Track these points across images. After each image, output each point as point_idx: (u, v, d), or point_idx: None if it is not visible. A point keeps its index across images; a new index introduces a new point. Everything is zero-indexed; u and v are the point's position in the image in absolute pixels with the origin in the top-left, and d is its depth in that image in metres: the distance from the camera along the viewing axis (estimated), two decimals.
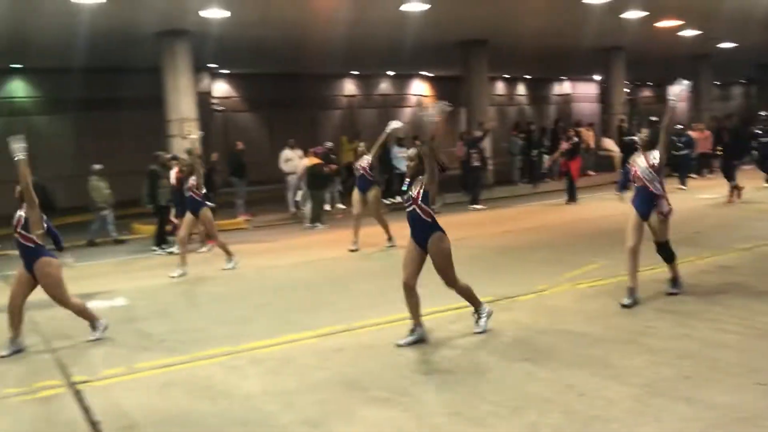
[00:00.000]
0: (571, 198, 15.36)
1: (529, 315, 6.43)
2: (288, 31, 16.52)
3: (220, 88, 24.50)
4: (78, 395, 5.01)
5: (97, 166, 13.69)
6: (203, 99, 20.58)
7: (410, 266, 5.67)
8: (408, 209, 5.68)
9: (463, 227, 12.79)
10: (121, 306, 7.90)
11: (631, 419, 4.03)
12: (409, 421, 4.22)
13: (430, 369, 5.16)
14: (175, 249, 11.83)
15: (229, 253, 10.00)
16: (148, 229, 13.86)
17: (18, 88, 20.62)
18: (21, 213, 6.14)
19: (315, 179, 14.58)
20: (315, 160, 14.85)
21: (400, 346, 5.61)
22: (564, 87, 34.71)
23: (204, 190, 10.22)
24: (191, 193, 9.95)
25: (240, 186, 16.44)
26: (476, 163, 15.65)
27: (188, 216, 10.03)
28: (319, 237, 13.09)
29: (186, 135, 10.87)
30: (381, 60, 22.13)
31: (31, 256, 6.11)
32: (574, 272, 8.03)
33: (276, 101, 24.52)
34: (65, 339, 6.58)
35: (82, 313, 6.47)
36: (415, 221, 5.66)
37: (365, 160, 11.12)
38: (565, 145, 15.75)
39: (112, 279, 9.73)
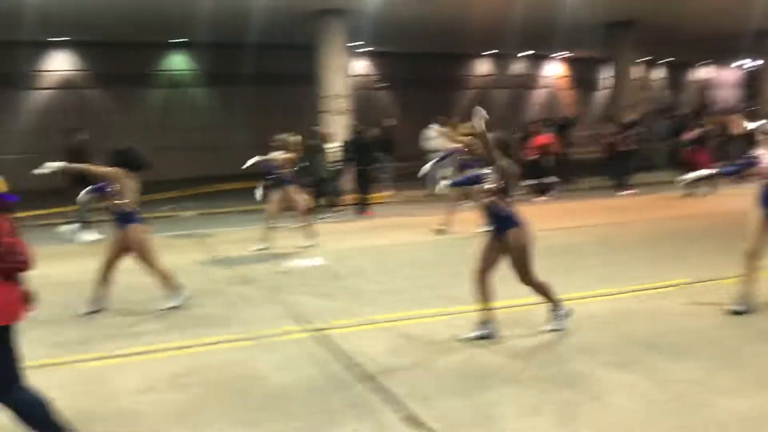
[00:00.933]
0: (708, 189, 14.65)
1: None
2: (441, 10, 16.76)
3: (358, 66, 25.12)
4: (323, 340, 5.55)
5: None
6: None
7: (485, 257, 5.48)
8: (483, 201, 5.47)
9: (617, 212, 12.73)
10: (321, 265, 8.50)
11: None
12: (653, 387, 4.42)
13: (652, 341, 5.30)
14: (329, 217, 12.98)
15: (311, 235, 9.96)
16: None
17: (178, 62, 22.05)
18: (115, 186, 6.48)
19: None
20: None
21: (461, 339, 5.40)
22: (705, 72, 33.15)
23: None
24: (279, 171, 9.81)
25: (387, 161, 16.96)
26: (629, 148, 15.37)
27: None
28: (469, 215, 13.36)
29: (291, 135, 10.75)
30: (522, 40, 21.95)
31: (122, 221, 6.49)
32: None
33: (411, 80, 24.89)
34: (285, 292, 7.21)
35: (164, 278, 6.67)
36: (493, 213, 5.40)
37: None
38: (692, 133, 15.07)
39: (293, 241, 10.37)
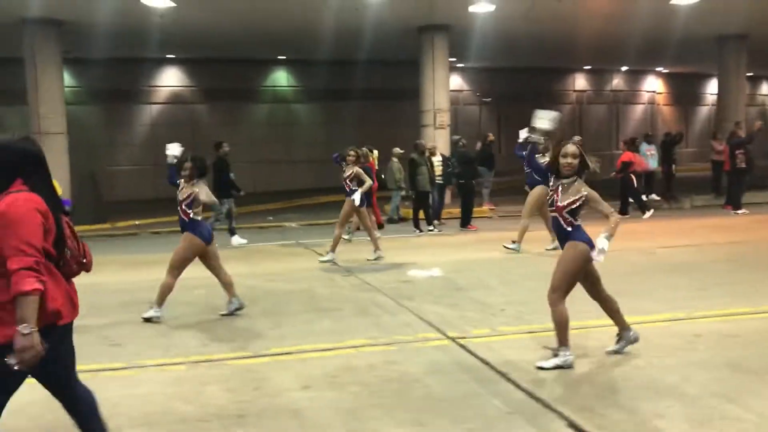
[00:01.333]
0: None
1: None
2: (550, 26, 16.70)
3: (456, 81, 25.32)
4: (465, 347, 5.62)
5: (399, 150, 14.67)
6: None
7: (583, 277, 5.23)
8: (552, 214, 5.23)
9: (733, 230, 12.30)
10: (439, 276, 8.61)
11: None
12: None
13: None
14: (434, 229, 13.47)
15: (336, 244, 9.84)
16: (408, 212, 14.85)
17: (281, 78, 22.85)
18: (195, 190, 6.71)
19: None
20: None
21: (609, 351, 5.34)
22: None
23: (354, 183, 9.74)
24: (345, 183, 9.75)
25: (487, 176, 16.97)
26: (742, 165, 14.81)
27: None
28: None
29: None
30: (627, 54, 21.60)
31: (184, 227, 6.76)
32: None
33: (505, 95, 24.87)
34: (410, 300, 7.35)
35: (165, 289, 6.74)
36: (556, 228, 5.23)
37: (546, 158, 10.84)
38: None
39: (406, 252, 10.54)
